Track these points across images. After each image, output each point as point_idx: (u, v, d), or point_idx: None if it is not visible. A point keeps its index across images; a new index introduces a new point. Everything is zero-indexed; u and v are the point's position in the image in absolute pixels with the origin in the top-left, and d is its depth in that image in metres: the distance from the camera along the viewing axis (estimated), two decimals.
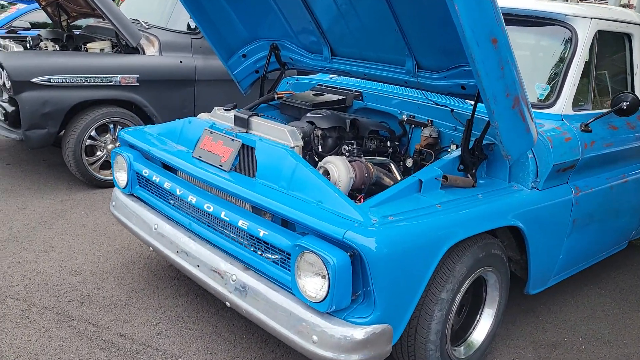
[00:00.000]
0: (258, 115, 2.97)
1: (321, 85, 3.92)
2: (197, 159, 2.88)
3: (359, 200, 2.43)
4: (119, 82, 4.87)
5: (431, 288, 2.39)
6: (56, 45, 5.52)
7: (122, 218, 3.31)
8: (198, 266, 2.73)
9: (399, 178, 2.91)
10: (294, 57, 3.71)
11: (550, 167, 2.81)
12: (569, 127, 3.03)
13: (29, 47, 5.50)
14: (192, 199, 2.75)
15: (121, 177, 3.32)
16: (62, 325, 2.96)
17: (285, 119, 3.77)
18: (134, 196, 3.31)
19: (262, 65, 3.84)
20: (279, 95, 3.74)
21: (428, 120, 3.21)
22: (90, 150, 4.95)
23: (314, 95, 3.74)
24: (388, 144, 3.32)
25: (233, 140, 2.76)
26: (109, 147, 4.96)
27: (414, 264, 2.25)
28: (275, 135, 2.71)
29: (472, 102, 3.10)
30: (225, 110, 3.01)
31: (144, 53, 5.14)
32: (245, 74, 3.91)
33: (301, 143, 2.66)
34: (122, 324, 3.02)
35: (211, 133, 2.89)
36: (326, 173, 2.62)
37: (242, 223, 2.49)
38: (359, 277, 2.18)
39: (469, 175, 2.75)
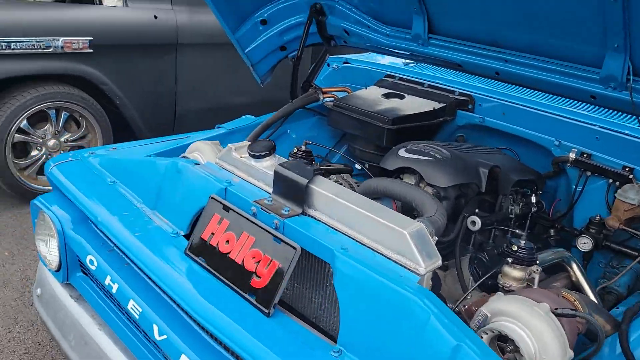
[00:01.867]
0: (324, 169, 1.47)
1: (393, 77, 2.38)
2: (197, 262, 1.38)
3: None
4: (62, 47, 3.24)
5: None
6: None
7: (50, 326, 1.81)
8: None
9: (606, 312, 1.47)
10: (351, 29, 2.17)
11: None
12: None
13: None
14: None
15: (48, 252, 1.81)
16: None
17: (330, 136, 2.27)
18: (74, 288, 1.81)
19: (294, 39, 2.30)
20: (326, 95, 2.22)
21: (625, 168, 1.74)
22: (22, 150, 3.36)
23: (384, 97, 2.22)
24: (533, 199, 1.86)
25: (280, 241, 1.25)
26: (50, 143, 3.37)
27: None
28: (379, 239, 1.20)
29: None
30: (254, 156, 1.45)
31: (100, 3, 3.49)
32: (265, 52, 2.37)
33: (439, 263, 1.17)
34: None
35: (227, 211, 1.37)
36: (499, 339, 1.16)
37: None
38: None
39: None
